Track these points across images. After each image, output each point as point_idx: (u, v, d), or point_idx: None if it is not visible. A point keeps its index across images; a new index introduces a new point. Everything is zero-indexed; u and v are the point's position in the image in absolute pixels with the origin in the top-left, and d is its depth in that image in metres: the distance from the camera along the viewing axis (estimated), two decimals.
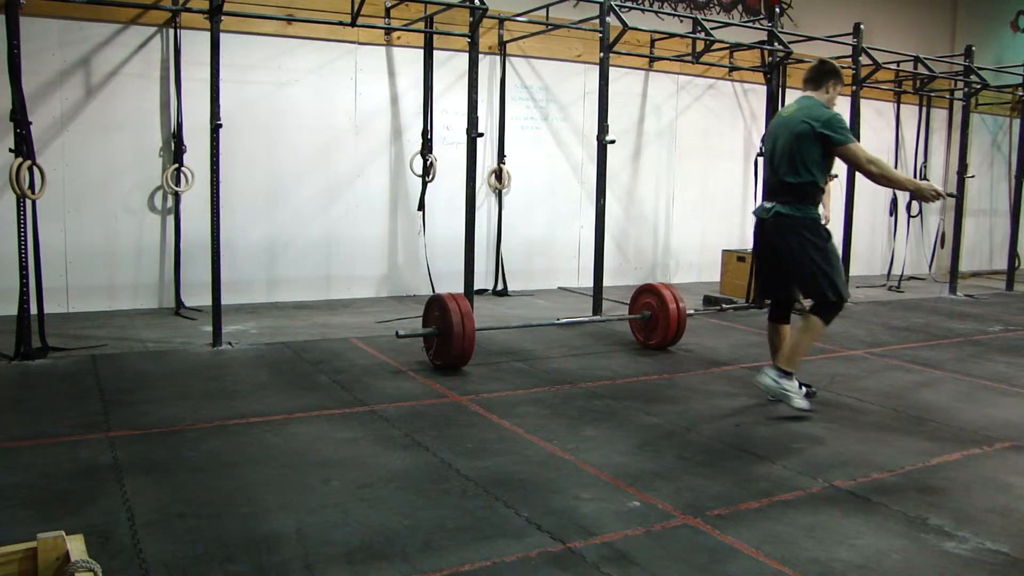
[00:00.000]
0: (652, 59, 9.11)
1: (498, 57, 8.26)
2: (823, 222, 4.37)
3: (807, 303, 4.54)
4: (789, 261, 4.30)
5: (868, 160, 4.18)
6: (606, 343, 6.15)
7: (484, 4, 6.35)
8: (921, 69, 9.37)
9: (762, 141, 8.07)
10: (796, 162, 4.24)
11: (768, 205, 4.37)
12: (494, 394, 4.64)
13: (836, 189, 7.70)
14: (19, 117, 5.00)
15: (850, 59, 8.12)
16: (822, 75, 4.42)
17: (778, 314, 4.62)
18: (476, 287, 7.09)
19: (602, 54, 6.79)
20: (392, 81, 7.81)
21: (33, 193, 5.12)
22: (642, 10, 8.66)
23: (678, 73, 9.44)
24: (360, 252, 7.84)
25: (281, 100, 7.32)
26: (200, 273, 6.44)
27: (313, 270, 7.64)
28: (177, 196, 6.85)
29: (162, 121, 6.87)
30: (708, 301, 8.12)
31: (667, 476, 3.44)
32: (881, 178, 4.22)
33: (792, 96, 8.94)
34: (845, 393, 4.86)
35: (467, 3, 6.42)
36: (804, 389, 4.64)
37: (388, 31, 7.61)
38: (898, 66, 9.54)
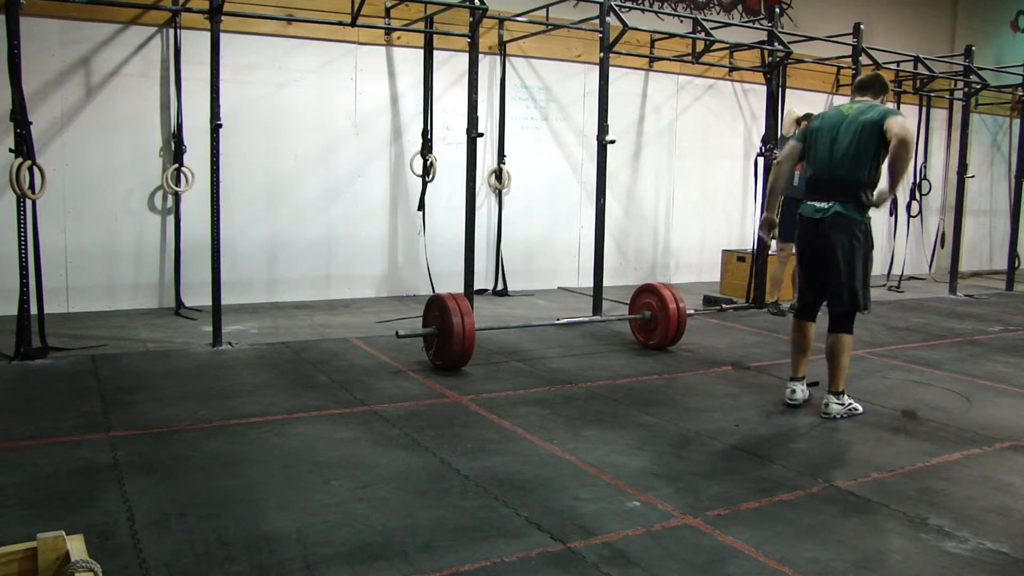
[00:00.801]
0: (652, 59, 9.11)
1: (498, 57, 8.26)
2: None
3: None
4: (836, 262, 4.23)
5: (912, 136, 4.11)
6: (606, 343, 6.15)
7: (484, 4, 6.35)
8: (921, 69, 9.37)
9: (763, 141, 8.08)
10: (864, 158, 4.18)
11: (824, 204, 4.26)
12: (494, 394, 4.64)
13: None
14: (19, 117, 5.00)
15: (850, 59, 8.12)
16: (882, 86, 4.46)
17: (809, 313, 4.57)
18: (476, 287, 7.09)
19: (602, 54, 6.79)
20: (392, 81, 7.81)
21: (33, 193, 5.12)
22: (642, 10, 8.66)
23: (678, 73, 9.44)
24: (360, 252, 7.84)
25: (281, 100, 7.32)
26: (200, 273, 6.43)
27: (313, 270, 7.64)
28: (177, 196, 6.85)
29: (162, 121, 6.87)
30: (708, 301, 8.12)
31: (667, 476, 3.44)
32: (905, 155, 4.04)
33: (792, 96, 9.06)
34: None
35: (467, 3, 6.42)
36: (808, 391, 4.64)
37: (388, 31, 7.61)
38: (898, 66, 9.54)
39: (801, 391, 4.56)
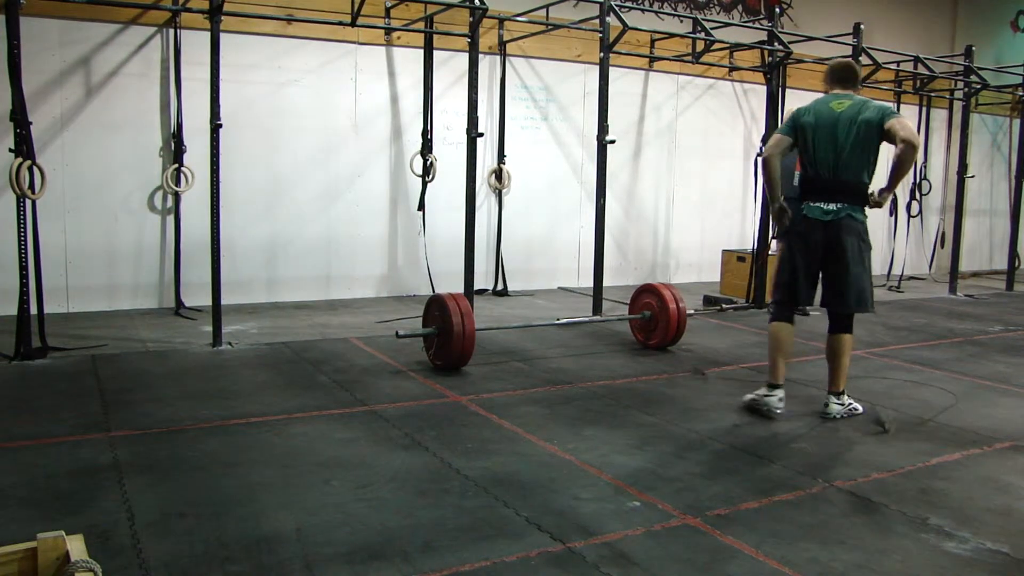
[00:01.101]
0: (652, 59, 9.11)
1: (498, 57, 8.26)
2: None
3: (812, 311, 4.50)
4: (846, 264, 4.19)
5: (918, 138, 4.09)
6: (606, 343, 6.15)
7: (484, 4, 6.35)
8: (921, 69, 9.37)
9: (762, 141, 8.08)
10: (866, 159, 4.17)
11: (834, 207, 4.20)
12: (494, 394, 4.64)
13: None
14: (19, 117, 5.00)
15: (850, 59, 8.12)
16: (858, 77, 4.41)
17: (790, 315, 4.48)
18: (476, 287, 7.09)
19: (602, 54, 6.79)
20: (392, 81, 7.81)
21: (33, 193, 5.12)
22: (642, 10, 8.66)
23: (678, 73, 9.44)
24: (360, 252, 7.84)
25: (281, 100, 7.32)
26: (200, 273, 6.44)
27: (313, 270, 7.64)
28: (177, 196, 6.85)
29: (162, 121, 6.88)
30: (708, 301, 8.12)
31: (667, 476, 3.44)
32: (912, 158, 4.01)
33: (792, 96, 9.06)
34: None
35: (467, 3, 6.42)
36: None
37: (388, 31, 7.61)
38: (898, 66, 9.53)
39: (783, 399, 4.37)
